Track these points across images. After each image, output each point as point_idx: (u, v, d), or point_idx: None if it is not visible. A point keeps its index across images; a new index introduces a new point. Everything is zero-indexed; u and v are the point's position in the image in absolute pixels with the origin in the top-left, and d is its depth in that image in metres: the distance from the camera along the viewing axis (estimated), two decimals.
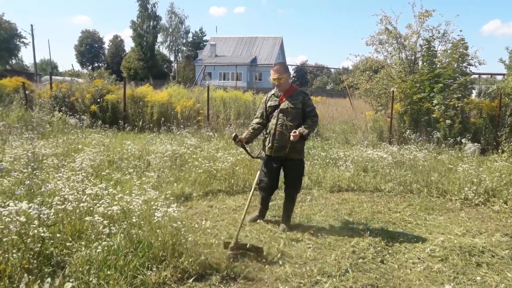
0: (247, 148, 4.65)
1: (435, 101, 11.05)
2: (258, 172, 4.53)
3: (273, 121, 4.53)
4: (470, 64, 12.46)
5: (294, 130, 4.26)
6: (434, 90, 11.20)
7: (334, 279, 3.41)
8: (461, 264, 3.79)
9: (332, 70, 68.59)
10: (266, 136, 4.60)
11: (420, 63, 13.23)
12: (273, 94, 4.67)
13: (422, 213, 5.48)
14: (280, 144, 4.45)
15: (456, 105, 10.83)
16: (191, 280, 3.22)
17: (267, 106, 4.64)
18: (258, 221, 4.79)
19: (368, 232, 4.59)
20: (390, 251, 4.08)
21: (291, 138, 4.23)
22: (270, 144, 4.52)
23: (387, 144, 10.24)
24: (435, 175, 6.96)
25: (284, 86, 4.54)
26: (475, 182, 6.41)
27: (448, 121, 10.64)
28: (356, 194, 6.35)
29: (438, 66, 12.15)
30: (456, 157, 8.70)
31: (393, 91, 11.90)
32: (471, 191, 6.11)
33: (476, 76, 14.47)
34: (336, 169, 7.42)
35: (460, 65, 12.24)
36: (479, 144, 10.16)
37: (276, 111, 4.52)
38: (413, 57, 13.48)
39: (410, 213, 5.49)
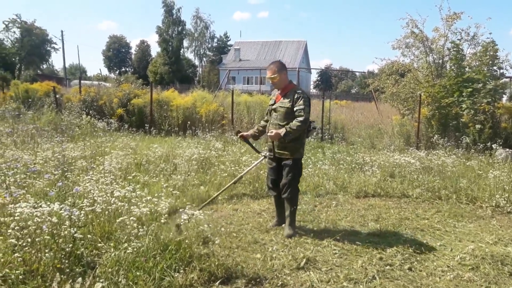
0: (253, 144, 4.79)
1: (464, 106, 10.80)
2: (249, 168, 4.73)
3: (269, 120, 4.60)
4: (500, 68, 12.14)
5: (271, 130, 4.31)
6: (463, 94, 10.95)
7: (361, 286, 3.36)
8: (493, 274, 3.67)
9: (357, 73, 67.94)
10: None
11: (448, 66, 12.96)
12: (273, 93, 4.76)
13: (451, 220, 5.35)
14: (271, 143, 4.50)
15: (486, 110, 10.55)
16: (217, 283, 3.24)
17: (269, 105, 4.71)
18: (283, 225, 4.67)
19: (396, 239, 4.52)
20: (418, 258, 3.99)
21: (269, 138, 4.32)
22: (266, 143, 4.63)
23: (414, 149, 10.05)
24: (464, 181, 6.79)
25: (279, 85, 4.51)
26: (507, 189, 6.22)
27: (478, 126, 10.38)
28: (383, 200, 6.26)
29: (467, 69, 11.87)
30: (487, 163, 8.47)
31: (420, 95, 11.69)
32: (503, 198, 5.93)
33: (507, 79, 14.02)
34: (362, 174, 7.33)
35: (490, 68, 11.92)
36: (511, 150, 9.85)
37: (272, 110, 4.56)
38: (440, 61, 13.24)
39: (438, 220, 5.37)
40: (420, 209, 5.85)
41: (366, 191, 6.52)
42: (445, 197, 6.32)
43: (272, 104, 4.57)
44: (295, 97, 4.37)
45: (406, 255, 4.04)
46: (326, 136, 12.37)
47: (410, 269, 3.74)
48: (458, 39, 12.53)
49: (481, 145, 9.77)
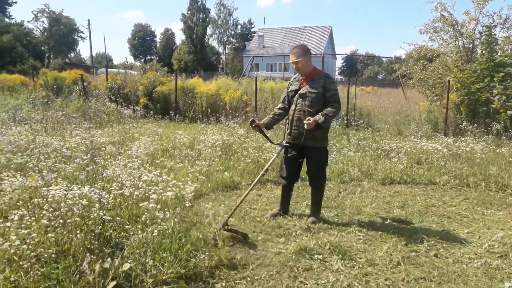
0: (267, 134, 4.48)
1: (495, 91, 10.44)
2: (271, 160, 4.34)
3: (292, 106, 4.34)
4: None
5: (308, 118, 4.02)
6: (495, 79, 10.58)
7: (385, 272, 3.35)
8: None
9: (383, 59, 66.62)
10: (286, 122, 4.44)
11: (479, 51, 12.52)
12: (295, 78, 4.49)
13: (480, 208, 5.23)
14: (297, 131, 4.26)
15: None
16: (240, 265, 3.29)
17: (289, 90, 4.46)
18: (279, 216, 4.51)
19: (422, 226, 4.47)
20: (444, 245, 3.94)
21: (305, 126, 4.00)
22: (288, 131, 4.36)
23: (442, 136, 9.82)
24: (494, 169, 6.61)
25: (304, 70, 4.30)
26: None
27: (509, 112, 10.03)
28: (409, 187, 6.17)
29: (499, 54, 11.45)
30: None
31: (449, 81, 11.37)
32: None
33: None
34: (388, 161, 7.23)
35: None
36: None
37: (296, 96, 4.32)
38: (470, 45, 12.78)
39: (466, 207, 5.27)
40: (447, 196, 5.74)
41: (392, 178, 6.44)
42: (473, 184, 6.18)
43: (297, 90, 4.35)
44: (327, 82, 4.20)
45: (432, 241, 3.99)
46: (352, 123, 12.22)
47: (436, 255, 3.70)
48: (489, 23, 12.07)
49: None
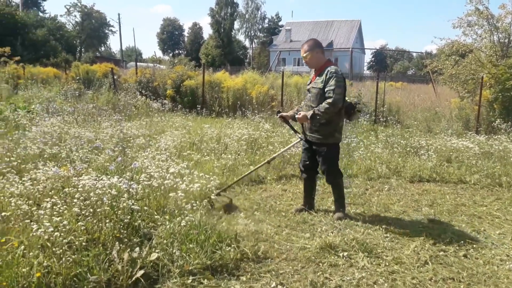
0: (293, 126, 4.61)
1: None
2: (284, 148, 4.73)
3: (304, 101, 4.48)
4: None
5: (299, 112, 4.15)
6: None
7: (413, 270, 3.29)
8: None
9: (414, 54, 65.10)
10: None
11: None
12: (311, 72, 4.56)
13: None
14: (304, 126, 4.35)
15: None
16: (266, 259, 3.31)
17: (307, 84, 4.53)
18: (304, 211, 4.49)
19: (451, 225, 4.37)
20: (474, 246, 3.83)
21: (297, 120, 4.16)
22: (301, 125, 4.46)
23: (473, 134, 9.53)
24: None
25: (312, 64, 4.29)
26: None
27: None
28: (438, 185, 6.03)
29: None
30: None
31: (482, 77, 11.01)
32: None
33: None
34: (417, 158, 7.08)
35: None
36: None
37: (307, 90, 4.42)
38: (506, 40, 12.34)
39: (498, 207, 5.10)
40: (478, 196, 5.58)
41: (421, 176, 6.30)
42: (506, 184, 5.98)
43: (308, 85, 4.39)
44: (327, 77, 4.10)
45: (462, 241, 3.89)
46: (380, 119, 12.02)
47: (465, 256, 3.61)
48: None
49: None
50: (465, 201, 5.34)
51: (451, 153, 7.28)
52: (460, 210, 4.96)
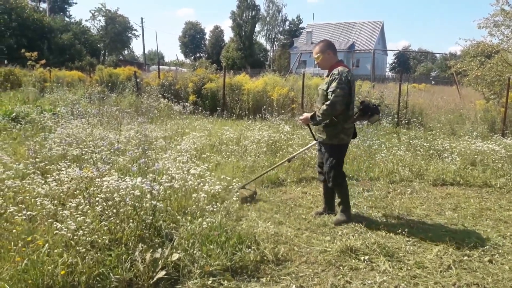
0: (311, 128, 4.60)
1: None
2: (300, 150, 4.83)
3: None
4: None
5: (303, 114, 4.22)
6: None
7: (435, 275, 3.23)
8: None
9: (437, 55, 63.93)
10: None
11: None
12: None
13: None
14: (313, 127, 4.45)
15: None
16: (286, 261, 3.30)
17: None
18: (324, 214, 4.49)
19: (475, 229, 4.27)
20: (500, 251, 3.73)
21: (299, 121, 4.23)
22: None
23: (499, 136, 9.29)
24: None
25: (323, 65, 4.25)
26: None
27: None
28: (462, 189, 5.90)
29: None
30: None
31: (509, 78, 10.72)
32: None
33: None
34: (441, 161, 6.95)
35: None
36: None
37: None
38: None
39: None
40: (504, 200, 5.44)
41: (444, 179, 6.18)
42: None
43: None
44: (331, 78, 4.07)
45: (487, 246, 3.80)
46: (403, 121, 11.83)
47: (490, 261, 3.52)
48: None
49: None
50: (490, 205, 5.21)
51: (475, 156, 7.12)
52: (485, 214, 4.84)
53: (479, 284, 3.12)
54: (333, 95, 3.98)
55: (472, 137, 9.09)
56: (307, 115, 4.17)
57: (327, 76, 4.23)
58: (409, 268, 3.33)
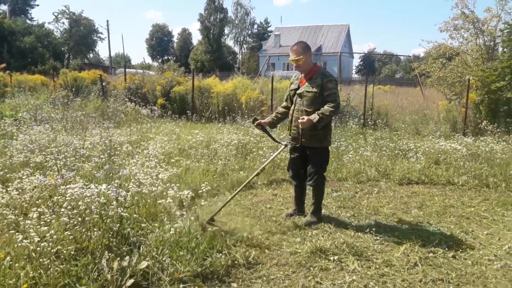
0: (271, 133, 4.41)
1: None
2: (270, 158, 4.30)
3: (292, 106, 4.27)
4: None
5: (302, 117, 3.92)
6: None
7: (402, 272, 3.31)
8: None
9: (401, 57, 65.86)
10: (288, 122, 4.34)
11: (500, 49, 12.27)
12: (295, 77, 4.38)
13: (500, 209, 5.12)
14: (296, 132, 4.17)
15: None
16: (257, 264, 3.30)
17: (290, 89, 4.37)
18: (295, 216, 4.49)
19: (440, 226, 4.41)
20: (463, 247, 3.87)
21: (300, 125, 3.92)
22: (289, 131, 4.30)
23: (461, 136, 9.66)
24: None
25: (304, 68, 4.16)
26: None
27: None
28: (427, 187, 6.08)
29: None
30: None
31: (468, 80, 11.16)
32: None
33: None
34: (406, 161, 7.15)
35: None
36: None
37: (296, 95, 4.24)
38: (492, 43, 12.54)
39: (485, 208, 5.16)
40: (466, 197, 5.64)
41: (410, 178, 6.36)
42: (493, 185, 6.06)
43: (296, 89, 4.25)
44: (324, 80, 4.05)
45: (450, 243, 3.93)
46: (369, 122, 12.10)
47: (454, 257, 3.64)
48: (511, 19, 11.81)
49: None
50: (454, 202, 5.39)
51: (439, 155, 7.36)
52: (449, 211, 5.00)
53: (444, 279, 3.22)
54: (335, 96, 4.02)
55: (435, 137, 9.40)
56: (310, 118, 3.89)
57: (309, 79, 4.16)
58: (377, 266, 3.39)
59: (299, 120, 3.92)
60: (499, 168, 6.56)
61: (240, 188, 4.08)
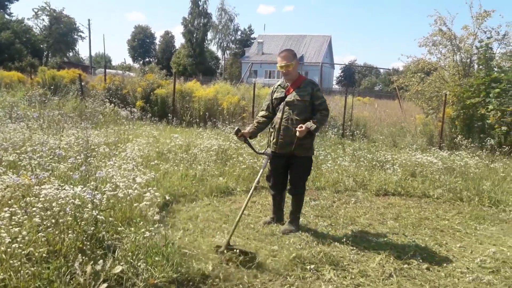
0: (251, 143, 4.28)
1: (490, 107, 10.51)
2: (261, 171, 4.11)
3: (278, 114, 4.16)
4: None
5: (300, 125, 3.86)
6: (490, 95, 10.66)
7: (377, 283, 3.34)
8: None
9: (381, 70, 67.11)
10: (271, 131, 4.25)
11: (476, 66, 12.64)
12: (280, 85, 4.30)
13: (473, 222, 5.24)
14: (285, 140, 4.09)
15: None
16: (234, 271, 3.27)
17: (273, 98, 4.27)
18: (272, 223, 4.50)
19: (415, 238, 4.48)
20: (436, 259, 3.94)
21: (297, 133, 3.86)
22: (274, 140, 4.18)
23: (437, 149, 9.87)
24: (488, 184, 6.64)
25: (292, 76, 4.13)
26: None
27: (504, 128, 10.10)
28: (403, 199, 6.18)
29: (495, 70, 11.55)
30: None
31: (445, 95, 11.44)
32: None
33: None
34: (383, 172, 7.25)
35: None
36: None
37: (282, 103, 4.15)
38: (468, 60, 12.90)
39: (459, 221, 5.28)
40: (441, 210, 5.76)
41: (386, 190, 6.45)
42: (467, 199, 6.20)
43: (283, 98, 4.18)
44: (314, 89, 4.10)
45: (425, 255, 3.99)
46: (347, 133, 12.25)
47: (428, 269, 3.70)
48: (488, 38, 12.18)
49: (507, 147, 9.51)
50: (429, 214, 5.49)
51: (415, 168, 7.49)
52: (424, 223, 5.09)
53: None
54: (325, 105, 4.14)
55: (412, 150, 9.58)
56: (307, 126, 3.87)
57: (297, 87, 4.13)
58: (353, 276, 3.42)
59: (297, 129, 3.86)
60: (473, 182, 6.72)
61: (243, 208, 3.83)
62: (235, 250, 3.44)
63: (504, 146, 9.62)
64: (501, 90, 10.62)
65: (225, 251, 3.43)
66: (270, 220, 4.57)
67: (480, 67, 12.00)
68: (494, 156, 9.06)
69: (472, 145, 9.75)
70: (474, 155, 8.81)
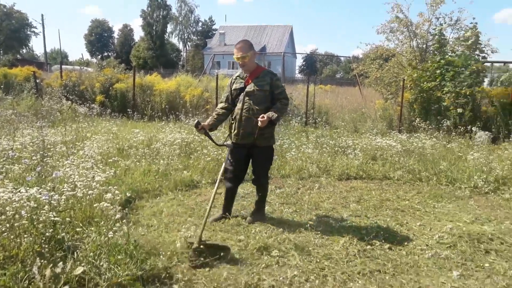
0: (212, 136, 4.21)
1: (445, 89, 10.91)
2: (224, 163, 4.10)
3: (238, 105, 4.13)
4: (482, 52, 12.24)
5: (262, 115, 3.85)
6: (445, 78, 11.05)
7: (342, 265, 3.42)
8: (469, 251, 3.77)
9: (342, 58, 68.22)
10: (232, 122, 4.21)
11: (432, 51, 13.06)
12: (239, 76, 4.27)
13: (431, 201, 5.45)
14: (246, 131, 4.07)
15: (467, 93, 10.68)
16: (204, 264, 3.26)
17: (232, 89, 4.24)
18: (223, 219, 4.35)
19: (377, 220, 4.61)
20: (398, 238, 4.07)
21: (259, 123, 3.84)
22: (235, 131, 4.14)
23: (396, 133, 10.17)
24: (445, 164, 6.91)
25: (249, 66, 4.12)
26: (485, 171, 6.37)
27: (459, 110, 10.52)
28: (365, 182, 6.34)
29: (449, 54, 11.98)
30: (467, 145, 8.61)
31: (403, 80, 11.78)
32: (481, 179, 6.06)
33: (488, 64, 14.20)
34: (345, 157, 7.40)
35: (472, 53, 12.02)
36: (490, 133, 10.00)
37: (242, 94, 4.12)
38: (424, 45, 13.31)
39: (419, 200, 5.47)
40: (401, 191, 5.95)
41: (349, 174, 6.59)
42: (425, 179, 6.44)
43: (242, 88, 4.15)
44: (274, 79, 4.11)
45: (387, 235, 4.11)
46: (310, 121, 12.40)
47: (390, 248, 3.82)
48: (441, 24, 12.60)
49: (462, 128, 9.92)
50: (390, 196, 5.66)
51: (376, 151, 7.69)
52: (385, 205, 5.25)
53: (380, 270, 3.37)
54: (284, 95, 4.16)
55: (372, 134, 9.83)
56: (268, 116, 3.84)
57: (255, 77, 4.11)
58: (318, 260, 3.48)
59: (259, 119, 3.83)
60: (430, 163, 6.98)
61: (211, 201, 3.74)
62: (207, 243, 3.41)
63: (460, 127, 10.02)
64: (455, 73, 11.03)
65: (200, 247, 3.35)
66: (221, 216, 4.41)
67: (435, 51, 12.41)
68: (450, 137, 9.43)
69: (429, 127, 10.11)
70: (431, 136, 9.14)
